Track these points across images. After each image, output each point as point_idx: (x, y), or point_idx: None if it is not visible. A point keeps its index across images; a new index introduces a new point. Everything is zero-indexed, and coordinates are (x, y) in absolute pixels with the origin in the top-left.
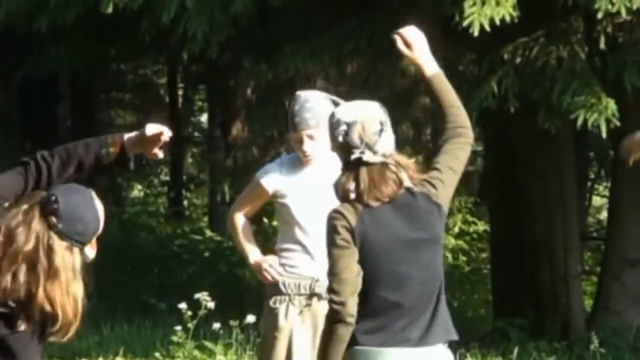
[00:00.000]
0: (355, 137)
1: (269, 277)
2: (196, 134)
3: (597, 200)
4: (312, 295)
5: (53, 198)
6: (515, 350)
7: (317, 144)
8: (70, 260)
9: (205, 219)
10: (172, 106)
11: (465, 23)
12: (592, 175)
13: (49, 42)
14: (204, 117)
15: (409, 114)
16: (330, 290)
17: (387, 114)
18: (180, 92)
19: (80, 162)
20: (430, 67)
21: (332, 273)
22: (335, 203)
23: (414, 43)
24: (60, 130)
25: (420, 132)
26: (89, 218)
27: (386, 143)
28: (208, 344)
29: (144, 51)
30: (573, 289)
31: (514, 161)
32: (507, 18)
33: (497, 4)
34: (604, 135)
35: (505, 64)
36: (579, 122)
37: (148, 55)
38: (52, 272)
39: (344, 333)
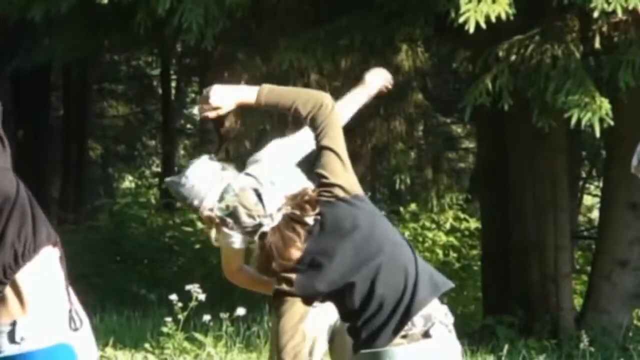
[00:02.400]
0: (246, 220)
1: None
2: (188, 126)
3: (588, 199)
4: None
5: None
6: (505, 347)
7: None
8: None
9: None
10: (164, 98)
11: (461, 20)
12: (583, 175)
13: (42, 32)
14: (196, 110)
15: (401, 109)
16: None
17: (254, 174)
18: (173, 84)
19: None
20: (250, 95)
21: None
22: None
23: (214, 100)
24: (53, 120)
25: (413, 128)
26: None
27: (272, 200)
28: (198, 336)
29: (138, 42)
30: (563, 288)
31: (506, 159)
32: (503, 16)
33: (493, 1)
34: (598, 134)
35: (500, 62)
36: (573, 121)
37: (142, 47)
38: None
39: None
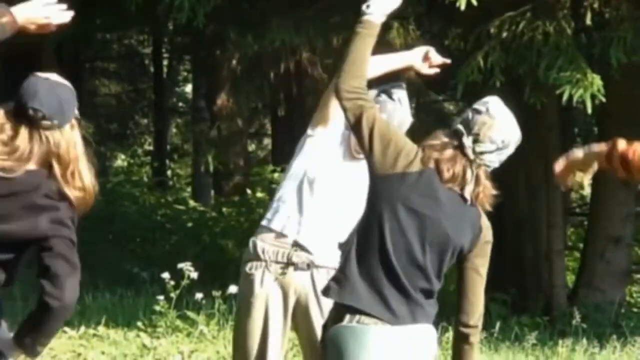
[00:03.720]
0: (476, 123)
1: None
2: (180, 104)
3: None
4: (288, 264)
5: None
6: (497, 325)
7: None
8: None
9: (189, 189)
10: (156, 76)
11: None
12: None
13: None
14: (188, 88)
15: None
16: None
17: (516, 145)
18: (165, 62)
19: None
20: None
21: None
22: (354, 202)
23: None
24: None
25: None
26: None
27: (488, 155)
28: (190, 314)
29: (130, 21)
30: (556, 265)
31: None
32: None
33: None
34: (589, 111)
35: (491, 39)
36: (565, 97)
37: (134, 25)
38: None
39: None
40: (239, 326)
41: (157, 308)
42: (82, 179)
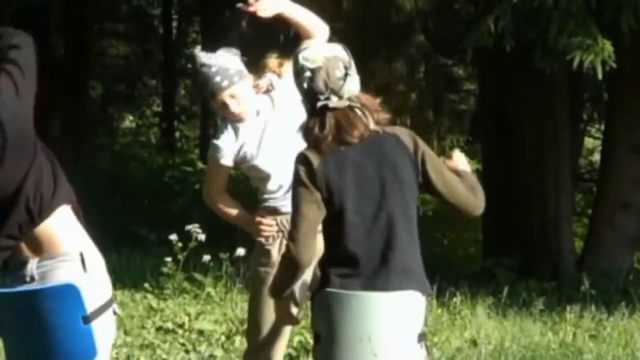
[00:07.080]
0: (320, 84)
1: (267, 234)
2: (189, 65)
3: (589, 142)
4: None
5: None
6: (506, 289)
7: (241, 99)
8: None
9: (197, 151)
10: (165, 37)
11: None
12: (585, 117)
13: None
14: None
15: (403, 50)
16: (289, 230)
17: (350, 56)
18: (174, 24)
19: None
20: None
21: (293, 214)
22: (291, 139)
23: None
24: (54, 61)
25: (414, 70)
26: None
27: (351, 86)
28: (198, 276)
29: None
30: (564, 231)
31: (508, 101)
32: None
33: None
34: (600, 76)
35: (502, 3)
36: (575, 63)
37: None
38: None
39: (292, 271)
40: (256, 296)
41: (165, 270)
42: None
